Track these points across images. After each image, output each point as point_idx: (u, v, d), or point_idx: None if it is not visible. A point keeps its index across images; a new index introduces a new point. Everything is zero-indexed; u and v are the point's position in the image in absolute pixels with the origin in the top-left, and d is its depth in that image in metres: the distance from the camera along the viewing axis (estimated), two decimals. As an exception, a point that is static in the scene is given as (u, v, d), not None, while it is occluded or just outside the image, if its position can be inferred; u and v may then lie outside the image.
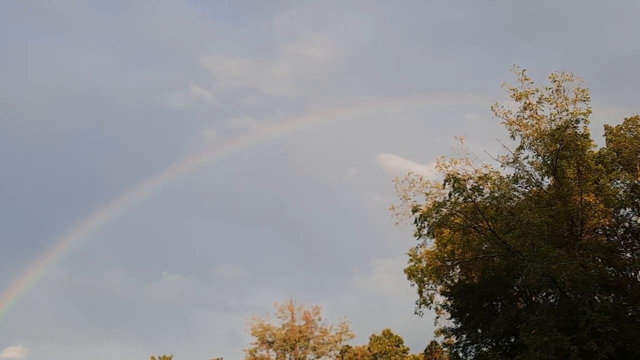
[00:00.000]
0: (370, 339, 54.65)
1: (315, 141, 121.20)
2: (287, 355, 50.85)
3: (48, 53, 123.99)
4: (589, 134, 27.53)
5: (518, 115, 27.97)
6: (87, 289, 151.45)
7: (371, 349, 53.77)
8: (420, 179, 29.22)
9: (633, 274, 29.77)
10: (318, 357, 49.94)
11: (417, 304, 40.23)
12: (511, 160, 28.84)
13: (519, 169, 29.08)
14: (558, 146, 26.32)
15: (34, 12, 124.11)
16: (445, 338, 44.31)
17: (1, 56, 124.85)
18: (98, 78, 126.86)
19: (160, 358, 64.66)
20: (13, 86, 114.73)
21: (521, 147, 28.38)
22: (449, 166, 28.03)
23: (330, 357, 50.36)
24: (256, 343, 52.03)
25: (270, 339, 51.36)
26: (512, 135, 28.27)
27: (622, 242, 30.67)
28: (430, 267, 39.13)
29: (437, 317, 41.02)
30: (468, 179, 27.93)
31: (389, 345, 53.07)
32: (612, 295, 27.83)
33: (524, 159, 28.81)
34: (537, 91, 27.48)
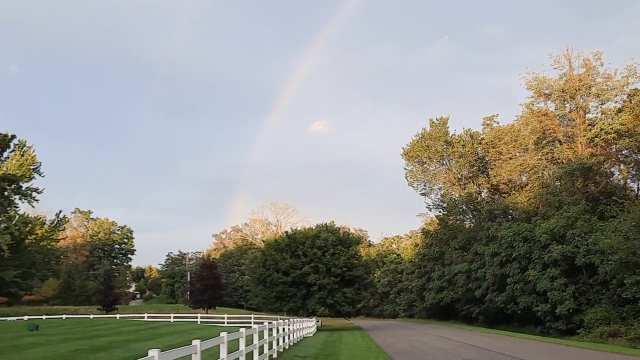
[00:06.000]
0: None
1: None
2: (567, 105, 50.05)
3: None
4: None
5: None
6: (357, 66, 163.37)
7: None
8: None
9: None
10: (602, 104, 48.06)
11: None
12: None
13: None
14: None
15: None
16: None
17: None
18: None
19: (437, 120, 69.50)
20: None
21: None
22: None
23: (616, 102, 47.99)
24: (532, 97, 52.01)
25: (547, 91, 50.78)
26: None
27: None
28: None
29: None
30: None
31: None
32: None
33: None
34: None
